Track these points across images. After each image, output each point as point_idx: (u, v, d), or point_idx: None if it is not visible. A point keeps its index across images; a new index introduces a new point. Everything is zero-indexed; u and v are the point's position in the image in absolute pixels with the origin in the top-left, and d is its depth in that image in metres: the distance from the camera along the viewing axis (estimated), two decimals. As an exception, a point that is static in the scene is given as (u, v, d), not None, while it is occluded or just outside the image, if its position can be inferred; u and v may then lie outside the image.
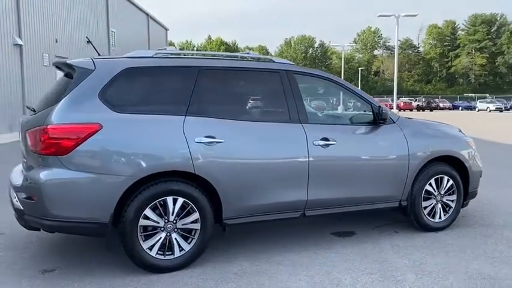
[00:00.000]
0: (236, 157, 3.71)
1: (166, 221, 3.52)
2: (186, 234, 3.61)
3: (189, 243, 3.63)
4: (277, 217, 3.97)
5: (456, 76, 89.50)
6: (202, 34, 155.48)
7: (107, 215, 3.33)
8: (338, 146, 4.09)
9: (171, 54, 3.95)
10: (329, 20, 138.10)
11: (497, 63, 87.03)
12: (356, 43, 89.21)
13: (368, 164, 4.30)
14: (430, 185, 4.62)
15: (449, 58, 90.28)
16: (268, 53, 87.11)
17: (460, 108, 57.17)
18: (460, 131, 5.13)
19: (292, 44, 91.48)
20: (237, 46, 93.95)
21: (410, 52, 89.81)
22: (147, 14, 32.50)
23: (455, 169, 4.75)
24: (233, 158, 3.70)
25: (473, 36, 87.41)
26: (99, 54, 3.96)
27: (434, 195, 4.66)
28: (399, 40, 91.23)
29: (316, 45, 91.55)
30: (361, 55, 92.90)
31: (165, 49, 3.92)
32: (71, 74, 3.56)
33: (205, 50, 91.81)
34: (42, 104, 3.71)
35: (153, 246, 3.50)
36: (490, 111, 48.72)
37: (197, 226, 3.63)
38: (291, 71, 4.14)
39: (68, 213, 3.27)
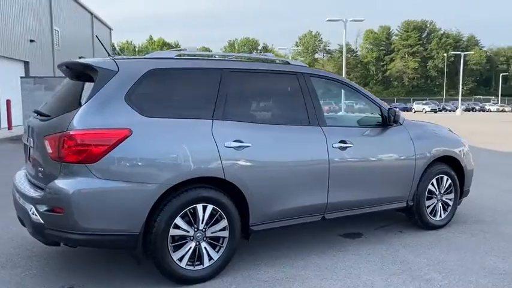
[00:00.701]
0: (263, 161, 3.63)
1: (195, 229, 3.36)
2: (214, 242, 3.48)
3: (217, 252, 3.49)
4: (299, 221, 3.92)
5: (391, 79, 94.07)
6: (143, 34, 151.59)
7: (139, 225, 3.13)
8: (354, 148, 4.12)
9: (194, 55, 3.79)
10: (271, 23, 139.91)
11: (428, 67, 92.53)
12: (298, 46, 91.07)
13: (381, 166, 4.37)
14: (432, 184, 4.78)
15: (385, 62, 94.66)
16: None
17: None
18: (450, 130, 5.34)
19: (236, 46, 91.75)
20: (179, 47, 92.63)
21: (349, 56, 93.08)
22: (91, 13, 31.21)
23: (453, 169, 4.95)
24: (260, 162, 3.61)
25: (406, 41, 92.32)
26: (109, 55, 3.70)
27: (436, 195, 4.83)
28: (339, 44, 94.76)
29: (259, 47, 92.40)
30: (302, 58, 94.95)
31: (186, 50, 3.74)
32: (90, 75, 3.30)
33: (147, 51, 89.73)
34: (55, 108, 3.42)
35: (183, 257, 3.33)
36: (425, 112, 51.64)
37: (225, 234, 3.50)
38: (307, 73, 4.11)
39: (98, 226, 3.03)
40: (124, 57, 3.52)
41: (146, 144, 3.16)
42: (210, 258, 3.45)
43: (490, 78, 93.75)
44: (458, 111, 46.41)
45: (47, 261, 3.88)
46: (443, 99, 73.25)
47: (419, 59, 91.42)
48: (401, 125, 4.57)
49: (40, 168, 3.28)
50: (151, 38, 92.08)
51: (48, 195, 3.03)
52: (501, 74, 77.90)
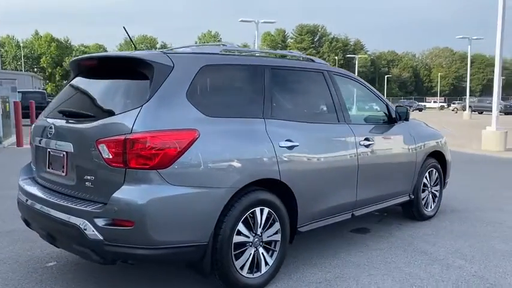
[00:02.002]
0: (310, 160, 3.55)
1: (253, 234, 3.18)
2: (268, 247, 3.32)
3: (271, 257, 3.34)
4: (334, 220, 3.91)
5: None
6: (27, 28, 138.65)
7: (207, 234, 2.86)
8: (375, 145, 4.22)
9: (238, 51, 3.58)
10: (170, 21, 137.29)
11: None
12: (198, 46, 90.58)
13: (395, 161, 4.54)
14: (426, 178, 5.09)
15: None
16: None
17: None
18: (426, 124, 5.68)
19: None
20: (70, 43, 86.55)
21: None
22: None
23: (438, 162, 5.32)
24: (307, 162, 3.53)
25: (300, 44, 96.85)
26: (135, 48, 3.34)
27: (427, 187, 5.15)
28: (238, 45, 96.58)
29: (158, 46, 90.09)
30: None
31: (226, 45, 3.51)
32: (140, 71, 2.93)
33: (33, 47, 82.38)
34: (90, 107, 3.00)
35: (244, 264, 3.12)
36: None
37: (278, 237, 3.36)
38: (331, 71, 4.12)
39: (169, 238, 2.71)
40: (169, 51, 3.19)
41: (213, 145, 2.91)
42: (266, 263, 3.29)
43: (374, 80, 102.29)
44: (354, 109, 49.83)
45: (64, 283, 3.37)
46: (336, 99, 78.06)
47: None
48: (404, 121, 4.78)
49: (88, 177, 2.81)
50: (37, 33, 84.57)
51: (113, 207, 2.62)
52: (386, 76, 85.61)
